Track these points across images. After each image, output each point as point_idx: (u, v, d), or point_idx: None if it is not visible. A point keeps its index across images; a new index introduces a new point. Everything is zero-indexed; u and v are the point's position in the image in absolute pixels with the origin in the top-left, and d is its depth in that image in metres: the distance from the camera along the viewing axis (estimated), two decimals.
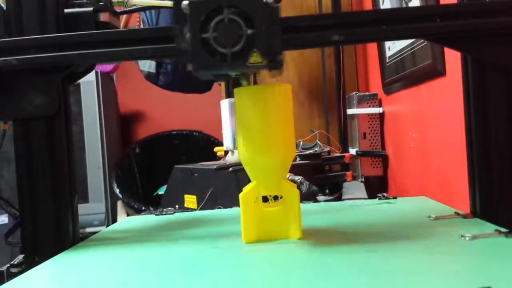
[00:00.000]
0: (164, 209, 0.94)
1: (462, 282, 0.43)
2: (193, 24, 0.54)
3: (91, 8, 0.71)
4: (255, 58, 0.55)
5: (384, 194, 0.89)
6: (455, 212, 0.71)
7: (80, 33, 0.67)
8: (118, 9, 0.79)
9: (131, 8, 0.82)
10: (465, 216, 0.69)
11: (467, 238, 0.57)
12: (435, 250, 0.55)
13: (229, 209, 0.96)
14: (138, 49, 0.64)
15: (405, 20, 0.63)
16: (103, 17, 0.72)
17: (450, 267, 0.49)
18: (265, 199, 0.64)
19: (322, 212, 0.86)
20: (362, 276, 0.47)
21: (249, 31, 0.54)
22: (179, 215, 0.91)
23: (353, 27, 0.63)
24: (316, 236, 0.64)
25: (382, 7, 1.68)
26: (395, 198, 0.88)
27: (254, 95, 0.62)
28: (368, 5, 1.96)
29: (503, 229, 0.59)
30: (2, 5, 0.69)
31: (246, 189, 0.63)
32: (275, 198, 0.64)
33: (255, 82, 0.67)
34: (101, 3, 0.72)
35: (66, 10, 0.71)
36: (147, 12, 2.12)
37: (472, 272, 0.48)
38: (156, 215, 0.91)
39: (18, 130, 0.69)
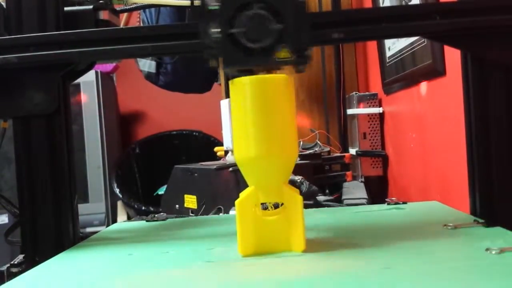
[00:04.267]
0: (156, 215, 0.87)
1: None
2: (223, 19, 0.54)
3: (91, 6, 0.71)
4: (283, 53, 0.54)
5: (393, 198, 0.84)
6: (474, 220, 0.65)
7: (80, 30, 0.67)
8: (118, 7, 0.79)
9: (131, 6, 0.82)
10: (486, 225, 0.63)
11: (493, 252, 0.51)
12: (459, 267, 0.49)
13: (226, 214, 0.93)
14: (138, 47, 0.64)
15: (405, 18, 0.63)
16: (103, 15, 0.72)
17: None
18: (264, 206, 0.58)
19: (327, 219, 0.78)
20: None
21: (278, 26, 0.54)
22: (172, 221, 0.84)
23: (353, 25, 0.63)
24: (322, 248, 0.57)
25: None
26: (404, 203, 0.82)
27: (252, 86, 0.56)
28: (368, 5, 1.96)
29: None
30: (2, 3, 0.69)
31: (243, 195, 0.57)
32: (276, 205, 0.58)
33: None
34: (101, 1, 0.72)
35: (66, 8, 0.71)
36: (147, 12, 2.13)
37: None
38: (146, 221, 0.85)
39: (18, 128, 0.69)
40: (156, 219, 0.85)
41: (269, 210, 0.58)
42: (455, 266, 0.49)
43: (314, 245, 0.58)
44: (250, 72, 0.57)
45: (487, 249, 0.52)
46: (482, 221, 0.64)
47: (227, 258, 0.57)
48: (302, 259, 0.55)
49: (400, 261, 0.52)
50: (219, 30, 0.54)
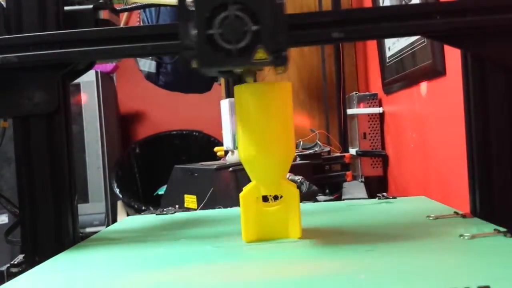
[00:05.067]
0: (165, 209, 0.94)
1: (461, 281, 0.43)
2: (199, 21, 0.54)
3: (91, 6, 0.71)
4: (260, 54, 0.55)
5: (384, 194, 0.89)
6: (454, 212, 0.71)
7: (80, 30, 0.67)
8: (118, 7, 0.79)
9: (131, 6, 0.82)
10: (464, 216, 0.69)
11: (466, 238, 0.57)
12: (434, 249, 0.55)
13: (229, 209, 0.96)
14: (137, 47, 0.64)
15: (406, 18, 0.63)
16: (103, 15, 0.72)
17: (449, 266, 0.49)
18: (265, 198, 0.64)
19: (322, 211, 0.86)
20: (361, 274, 0.48)
21: (254, 27, 0.54)
22: (180, 215, 0.91)
23: (353, 24, 0.63)
24: (316, 236, 0.65)
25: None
26: (394, 198, 0.88)
27: (255, 93, 0.62)
28: (368, 5, 1.96)
29: (502, 229, 0.59)
30: (2, 2, 0.69)
31: (246, 189, 0.63)
32: (275, 197, 0.64)
33: (255, 81, 0.66)
34: (101, 1, 0.72)
35: (66, 8, 0.71)
36: (147, 12, 2.13)
37: (471, 271, 0.48)
38: (156, 214, 0.91)
39: (18, 127, 0.69)
40: (165, 213, 0.92)
41: (269, 202, 0.64)
42: (430, 248, 0.56)
43: (309, 233, 0.65)
44: (230, 73, 0.61)
45: (460, 235, 0.58)
46: (462, 213, 0.70)
47: (232, 244, 0.64)
48: (298, 245, 0.61)
49: (382, 244, 0.58)
50: (196, 31, 0.55)
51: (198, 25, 0.54)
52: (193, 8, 0.54)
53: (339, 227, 0.71)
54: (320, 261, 0.54)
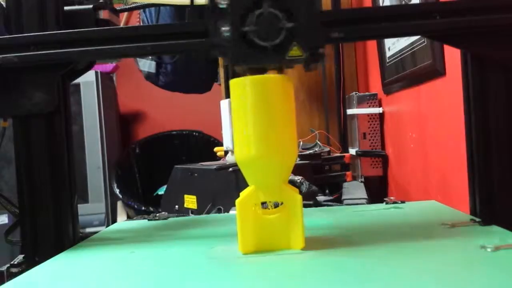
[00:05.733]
0: (158, 214, 0.88)
1: None
2: (234, 18, 0.54)
3: (91, 6, 0.71)
4: (295, 51, 0.54)
5: (392, 197, 0.84)
6: (471, 219, 0.66)
7: (80, 30, 0.67)
8: (118, 7, 0.79)
9: (131, 5, 0.82)
10: (481, 223, 0.64)
11: (488, 250, 0.52)
12: (455, 264, 0.50)
13: (226, 214, 0.93)
14: (137, 46, 0.64)
15: (406, 17, 0.63)
16: (103, 14, 0.72)
17: (473, 284, 0.44)
18: (264, 205, 0.59)
19: (326, 218, 0.79)
20: None
21: (289, 24, 0.54)
22: (173, 220, 0.85)
23: (352, 24, 0.63)
24: (321, 246, 0.58)
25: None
26: (403, 202, 0.83)
27: (253, 86, 0.56)
28: (368, 5, 1.96)
29: None
30: (2, 2, 0.69)
31: (243, 194, 0.58)
32: (275, 204, 0.58)
33: None
34: (101, 1, 0.72)
35: (66, 8, 0.71)
36: (147, 12, 2.13)
37: None
38: (148, 220, 0.86)
39: (18, 127, 0.69)
40: (157, 218, 0.85)
41: (269, 209, 0.59)
42: (451, 263, 0.50)
43: (313, 243, 0.59)
44: (262, 71, 0.57)
45: (482, 247, 0.53)
46: (479, 220, 0.65)
47: (228, 256, 0.58)
48: (301, 257, 0.55)
49: (397, 258, 0.52)
50: (229, 28, 0.54)
51: (233, 22, 0.54)
52: (224, 6, 0.54)
53: (346, 236, 0.64)
54: (325, 276, 0.49)
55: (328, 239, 0.64)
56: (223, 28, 0.55)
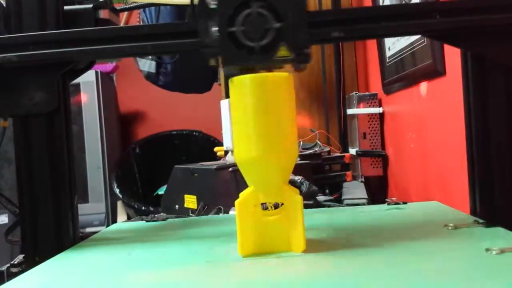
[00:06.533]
0: (156, 215, 0.87)
1: None
2: (221, 18, 0.54)
3: (90, 5, 0.71)
4: (283, 51, 0.54)
5: (393, 198, 0.84)
6: (474, 220, 0.65)
7: (80, 29, 0.67)
8: (118, 6, 0.79)
9: (131, 5, 0.82)
10: (485, 225, 0.63)
11: (494, 253, 0.51)
12: (460, 267, 0.49)
13: (225, 215, 0.93)
14: (137, 46, 0.64)
15: (406, 17, 0.63)
16: (103, 14, 0.72)
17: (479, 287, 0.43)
18: (264, 206, 0.57)
19: (327, 219, 0.78)
20: None
21: (277, 25, 0.54)
22: (172, 221, 0.84)
23: (352, 24, 0.62)
24: (322, 249, 0.57)
25: None
26: (405, 203, 0.82)
27: (252, 84, 0.55)
28: (368, 4, 1.96)
29: None
30: (2, 1, 0.69)
31: (243, 195, 0.56)
32: (276, 205, 0.57)
33: None
34: (100, 0, 0.71)
35: (65, 7, 0.71)
36: (147, 12, 2.13)
37: None
38: (146, 221, 0.85)
39: (18, 127, 0.69)
40: (155, 219, 0.85)
41: (269, 210, 0.57)
42: (456, 266, 0.49)
43: (314, 245, 0.58)
44: (251, 71, 0.56)
45: (487, 250, 0.52)
46: (482, 221, 0.64)
47: (227, 258, 0.57)
48: (302, 260, 0.54)
49: (400, 261, 0.52)
50: (217, 28, 0.54)
51: (220, 22, 0.54)
52: (214, 6, 0.54)
53: (348, 239, 0.63)
54: (327, 279, 0.48)
55: (329, 241, 0.63)
56: (213, 29, 0.55)
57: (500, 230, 0.61)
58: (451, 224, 0.64)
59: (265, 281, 0.49)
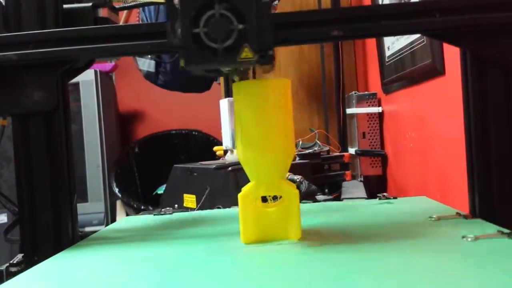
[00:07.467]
0: (163, 209, 0.92)
1: (464, 284, 0.42)
2: (184, 19, 0.54)
3: (90, 4, 0.71)
4: (246, 53, 0.55)
5: (384, 194, 0.89)
6: (457, 213, 0.70)
7: (79, 28, 0.67)
8: (117, 5, 0.79)
9: (130, 4, 0.82)
10: (466, 217, 0.68)
11: (469, 239, 0.56)
12: (436, 251, 0.54)
13: (227, 209, 0.96)
14: (136, 44, 0.64)
15: (405, 16, 0.63)
16: (102, 13, 0.72)
17: (451, 269, 0.48)
18: (264, 199, 0.63)
19: (322, 212, 0.85)
20: (362, 276, 0.47)
21: (240, 26, 0.54)
22: (178, 215, 0.89)
23: (352, 23, 0.62)
24: (316, 237, 0.64)
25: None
26: (395, 198, 0.88)
27: (253, 90, 0.61)
28: (367, 3, 1.96)
29: (505, 230, 0.58)
30: (1, 0, 0.69)
31: (245, 189, 0.62)
32: (274, 198, 0.63)
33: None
34: None
35: (65, 6, 0.71)
36: (146, 11, 2.13)
37: (474, 274, 0.47)
38: (154, 215, 0.90)
39: (17, 125, 0.69)
40: (163, 213, 0.91)
41: (268, 202, 0.63)
42: (432, 250, 0.55)
43: (309, 234, 0.65)
44: (217, 71, 0.59)
45: (463, 237, 0.57)
46: (464, 214, 0.69)
47: (231, 246, 0.62)
48: (298, 247, 0.60)
49: (383, 246, 0.58)
50: (182, 29, 0.55)
51: (183, 23, 0.54)
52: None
53: (339, 228, 0.70)
54: (320, 263, 0.53)
55: (323, 230, 0.69)
56: (180, 30, 0.55)
57: (478, 221, 0.65)
58: (434, 216, 0.70)
59: (265, 265, 0.55)
